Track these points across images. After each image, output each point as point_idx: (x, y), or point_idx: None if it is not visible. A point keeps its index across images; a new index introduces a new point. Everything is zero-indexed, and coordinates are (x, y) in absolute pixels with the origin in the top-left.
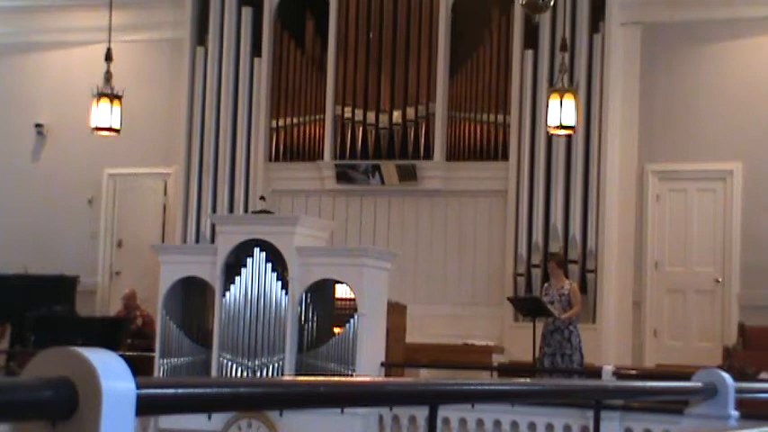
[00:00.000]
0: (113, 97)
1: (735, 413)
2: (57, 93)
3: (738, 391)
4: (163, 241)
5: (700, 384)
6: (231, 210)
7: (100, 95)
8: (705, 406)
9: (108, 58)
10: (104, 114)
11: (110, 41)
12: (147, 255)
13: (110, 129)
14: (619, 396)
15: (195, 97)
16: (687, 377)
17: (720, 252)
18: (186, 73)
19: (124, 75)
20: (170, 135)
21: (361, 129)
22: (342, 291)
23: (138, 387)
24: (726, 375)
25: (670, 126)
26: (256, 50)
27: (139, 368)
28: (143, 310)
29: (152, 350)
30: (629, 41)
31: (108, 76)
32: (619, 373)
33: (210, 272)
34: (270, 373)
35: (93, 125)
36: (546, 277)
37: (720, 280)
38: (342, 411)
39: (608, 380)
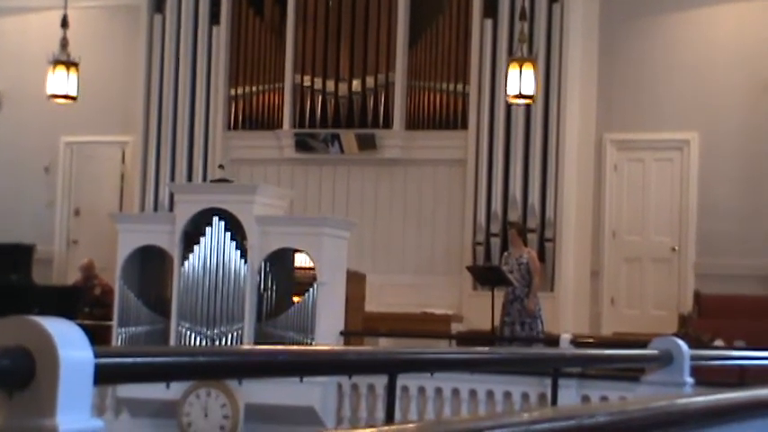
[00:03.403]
0: (70, 64)
1: (690, 380)
2: (12, 59)
3: (694, 358)
4: (121, 210)
5: (656, 352)
6: (190, 178)
7: (56, 62)
8: (661, 373)
9: (64, 24)
10: (61, 82)
11: (66, 8)
12: (104, 223)
13: (66, 96)
14: (576, 364)
15: (153, 65)
16: (644, 345)
17: (677, 221)
18: (144, 41)
19: (81, 42)
20: (128, 103)
21: (320, 97)
22: (301, 260)
23: (96, 356)
24: (681, 343)
25: (628, 96)
26: (215, 18)
27: (97, 337)
28: (101, 279)
29: (110, 319)
30: (588, 11)
31: (64, 43)
32: (576, 342)
33: (169, 241)
34: (229, 342)
35: (49, 92)
36: (505, 246)
37: (677, 249)
38: (301, 380)
39: (566, 348)
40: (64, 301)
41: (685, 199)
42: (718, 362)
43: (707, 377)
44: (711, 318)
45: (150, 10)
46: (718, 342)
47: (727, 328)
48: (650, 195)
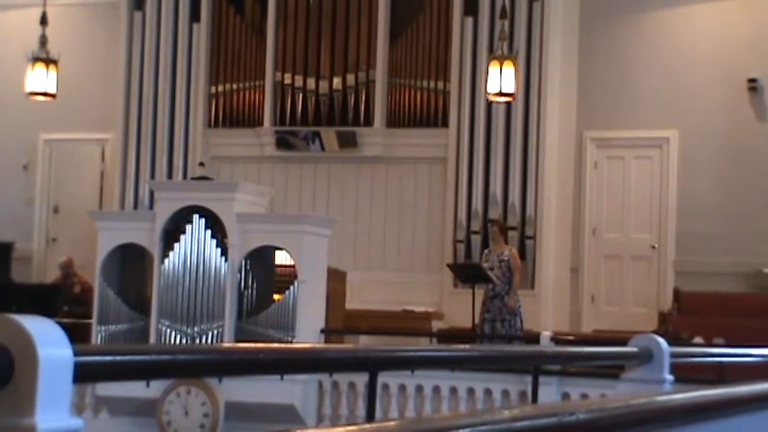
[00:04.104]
0: (49, 62)
1: (670, 377)
2: None
3: (673, 355)
4: (100, 207)
5: (636, 349)
6: (170, 176)
7: (35, 60)
8: (641, 370)
9: (43, 21)
10: (40, 79)
11: (45, 5)
12: (84, 221)
13: (45, 93)
14: (557, 361)
15: (133, 62)
16: (623, 342)
17: (656, 219)
18: (124, 38)
19: (60, 39)
20: (107, 100)
21: (300, 95)
22: (281, 257)
23: (75, 354)
24: (661, 340)
25: (608, 94)
26: (195, 16)
27: (76, 335)
28: (80, 276)
29: (89, 317)
30: (569, 9)
31: (43, 40)
32: (557, 339)
33: (149, 238)
34: (209, 340)
35: (28, 90)
36: (485, 244)
37: (656, 246)
38: (281, 378)
39: (546, 345)
40: (43, 299)
41: (665, 197)
42: (697, 359)
43: (687, 374)
44: (691, 315)
45: (130, 7)
46: (698, 339)
47: (707, 326)
48: (630, 193)
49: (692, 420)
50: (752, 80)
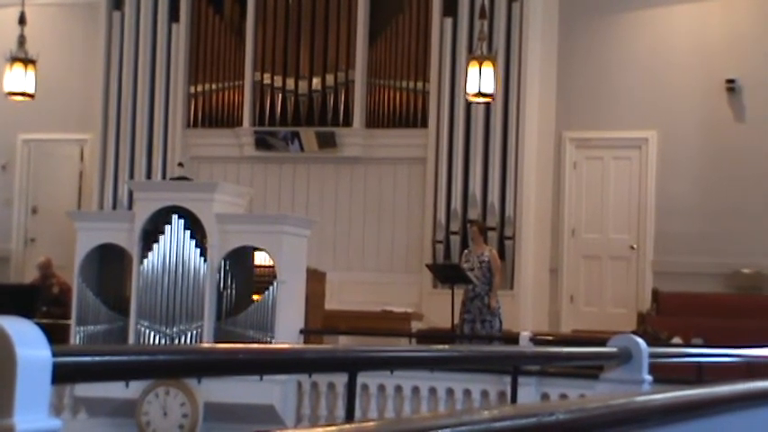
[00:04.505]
0: (27, 62)
1: (648, 377)
2: None
3: (652, 355)
4: (79, 208)
5: (615, 349)
6: (149, 176)
7: (13, 60)
8: (620, 370)
9: (22, 21)
10: (18, 79)
11: (23, 5)
12: (62, 221)
13: (24, 93)
14: (536, 362)
15: (112, 62)
16: (602, 342)
17: (635, 219)
18: (103, 38)
19: (39, 39)
20: (86, 100)
21: (280, 95)
22: (261, 258)
23: (53, 355)
24: (640, 340)
25: (587, 94)
26: (174, 16)
27: (55, 336)
28: (59, 277)
29: (68, 318)
30: (548, 10)
31: (21, 40)
32: (536, 339)
33: (128, 239)
34: (188, 341)
35: (6, 90)
36: (465, 244)
37: (635, 247)
38: (261, 378)
39: (525, 346)
40: (21, 299)
41: (644, 197)
42: (676, 359)
43: (665, 374)
44: (670, 315)
45: (109, 7)
46: (677, 339)
47: (686, 326)
48: (609, 193)
49: (671, 420)
50: (730, 81)
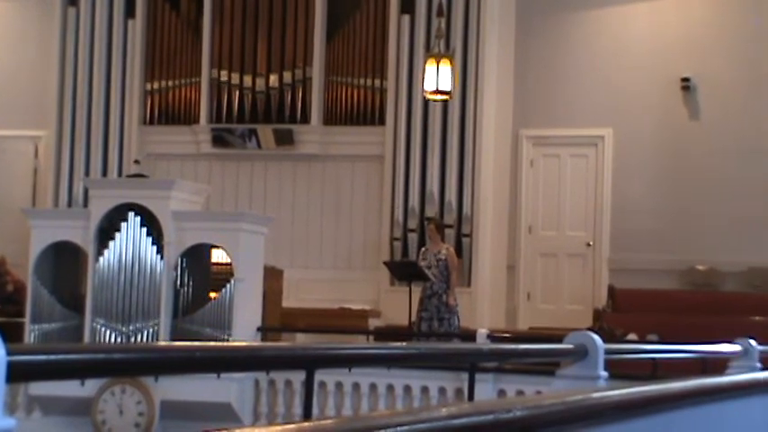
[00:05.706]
0: None
1: (604, 374)
2: None
3: (607, 352)
4: (34, 205)
5: (571, 346)
6: (105, 174)
7: None
8: (576, 367)
9: None
10: None
11: None
12: (17, 219)
13: None
14: (493, 359)
15: (67, 59)
16: (559, 339)
17: (591, 216)
18: (57, 33)
19: None
20: (41, 97)
21: (237, 92)
22: (218, 255)
23: (8, 353)
24: (596, 337)
25: (544, 92)
26: (130, 12)
27: (9, 334)
28: (13, 275)
29: (23, 316)
30: (505, 8)
31: None
32: (493, 336)
33: (83, 236)
34: (145, 339)
35: None
36: (422, 242)
37: (591, 244)
38: (218, 376)
39: (482, 343)
40: None
41: (600, 195)
42: (631, 356)
43: (621, 371)
44: (625, 312)
45: (64, 3)
46: (632, 336)
47: (641, 323)
48: (566, 191)
49: (626, 416)
50: (685, 79)
